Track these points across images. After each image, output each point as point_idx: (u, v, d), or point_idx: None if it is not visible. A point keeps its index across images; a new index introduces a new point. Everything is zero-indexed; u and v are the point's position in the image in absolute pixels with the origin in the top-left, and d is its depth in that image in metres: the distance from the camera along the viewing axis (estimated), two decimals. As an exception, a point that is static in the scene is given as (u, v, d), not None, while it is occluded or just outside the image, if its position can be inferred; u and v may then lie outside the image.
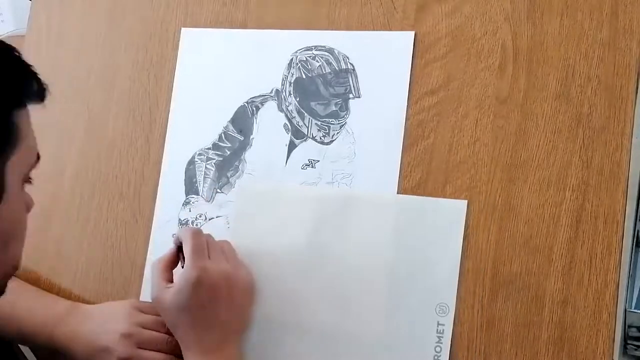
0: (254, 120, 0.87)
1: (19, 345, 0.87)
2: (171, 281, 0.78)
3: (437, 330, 0.76)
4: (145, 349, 0.79)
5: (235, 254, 0.81)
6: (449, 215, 0.77)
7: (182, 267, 0.78)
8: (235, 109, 0.88)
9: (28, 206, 0.69)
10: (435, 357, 0.75)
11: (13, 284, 0.86)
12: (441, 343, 0.75)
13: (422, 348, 0.76)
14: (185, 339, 0.76)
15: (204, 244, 0.78)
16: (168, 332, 0.80)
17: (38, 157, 0.67)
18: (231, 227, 0.85)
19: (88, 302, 0.89)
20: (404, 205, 0.79)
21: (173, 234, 0.84)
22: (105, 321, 0.82)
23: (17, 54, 0.63)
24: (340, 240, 0.80)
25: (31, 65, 0.64)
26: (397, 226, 0.79)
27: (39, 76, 0.64)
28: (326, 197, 0.82)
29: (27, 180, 0.67)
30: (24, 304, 0.85)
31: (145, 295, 0.87)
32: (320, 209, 0.82)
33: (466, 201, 0.77)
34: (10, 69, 0.62)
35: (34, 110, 0.65)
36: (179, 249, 0.80)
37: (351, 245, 0.80)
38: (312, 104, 0.85)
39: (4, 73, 0.61)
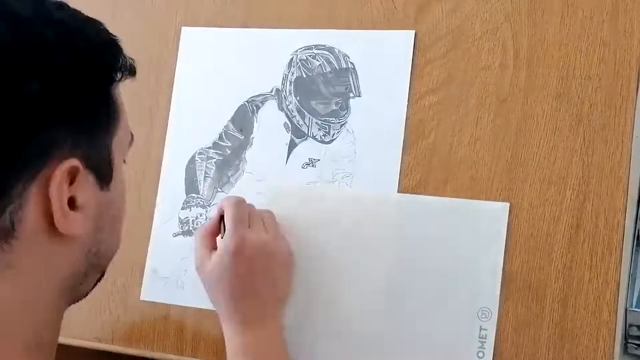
0: (255, 119, 0.87)
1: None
2: (215, 249, 0.78)
3: (480, 335, 0.74)
4: None
5: (276, 224, 0.80)
6: (490, 218, 0.76)
7: (222, 237, 0.78)
8: (236, 108, 0.88)
9: None
10: None
11: None
12: (484, 348, 0.74)
13: (464, 353, 0.74)
14: (224, 309, 0.76)
15: (245, 213, 0.78)
16: None
17: (132, 137, 0.64)
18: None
19: (88, 301, 0.88)
20: (445, 208, 0.78)
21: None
22: None
23: (105, 27, 0.59)
24: (382, 241, 0.79)
25: (118, 39, 0.60)
26: (440, 229, 0.77)
27: (123, 50, 0.60)
28: (366, 198, 0.80)
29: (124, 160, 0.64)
30: None
31: (146, 295, 0.87)
32: (359, 210, 0.80)
33: (508, 204, 0.76)
34: (106, 42, 0.58)
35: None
36: (222, 218, 0.79)
37: (392, 246, 0.78)
38: (313, 103, 0.85)
39: (102, 46, 0.58)
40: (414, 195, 0.79)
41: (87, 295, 0.64)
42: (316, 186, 0.83)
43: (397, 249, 0.78)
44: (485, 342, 0.74)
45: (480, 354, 0.74)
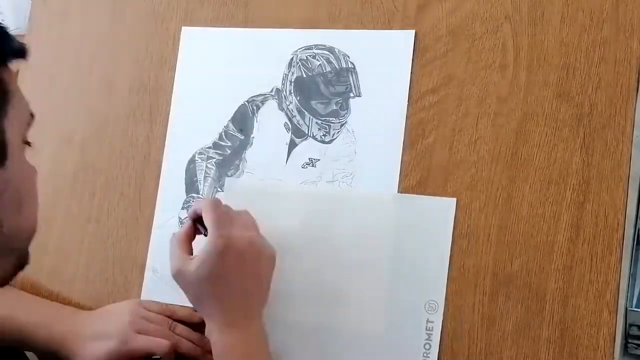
0: (255, 119, 0.87)
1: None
2: (191, 253, 0.77)
3: (427, 327, 0.76)
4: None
5: (256, 224, 0.80)
6: (438, 213, 0.78)
7: (205, 235, 0.77)
8: (236, 108, 0.88)
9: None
10: (425, 354, 0.76)
11: (12, 292, 0.86)
12: (430, 340, 0.76)
13: (411, 345, 0.76)
14: (210, 311, 0.75)
15: (224, 212, 0.77)
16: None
17: (32, 116, 0.66)
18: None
19: (88, 301, 0.89)
20: (394, 203, 0.79)
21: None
22: (109, 316, 0.83)
23: None
24: (332, 238, 0.80)
25: (5, 26, 0.63)
26: (386, 224, 0.79)
27: (14, 36, 0.63)
28: (318, 195, 0.82)
29: (26, 142, 0.66)
30: (24, 306, 0.85)
31: (146, 295, 0.87)
32: (311, 207, 0.82)
33: (455, 199, 0.77)
34: None
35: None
36: (196, 222, 0.79)
37: (343, 243, 0.80)
38: (313, 102, 0.85)
39: None
40: (363, 191, 0.81)
41: (5, 282, 0.66)
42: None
43: (348, 243, 0.80)
44: (431, 333, 0.76)
45: (427, 346, 0.76)
